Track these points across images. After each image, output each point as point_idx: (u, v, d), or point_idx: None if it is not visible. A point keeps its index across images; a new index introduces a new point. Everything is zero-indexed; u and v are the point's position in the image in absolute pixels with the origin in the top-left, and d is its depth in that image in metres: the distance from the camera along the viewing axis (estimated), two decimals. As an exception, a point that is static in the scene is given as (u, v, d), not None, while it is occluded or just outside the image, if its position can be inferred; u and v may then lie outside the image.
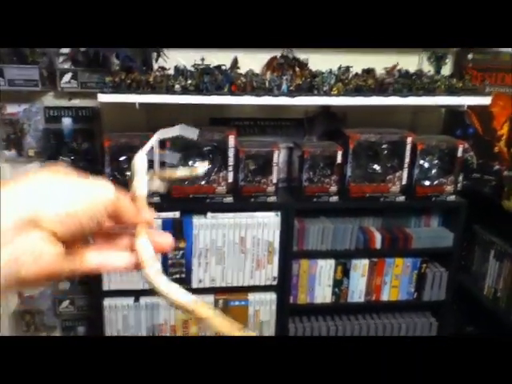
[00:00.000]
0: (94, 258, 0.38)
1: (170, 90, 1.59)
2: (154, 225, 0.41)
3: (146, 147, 0.46)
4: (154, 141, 0.47)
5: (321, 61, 1.92)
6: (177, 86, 1.58)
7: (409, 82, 1.77)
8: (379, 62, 1.96)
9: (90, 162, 1.90)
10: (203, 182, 1.79)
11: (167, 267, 1.78)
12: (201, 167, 0.45)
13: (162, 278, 0.37)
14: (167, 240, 0.41)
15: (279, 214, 1.83)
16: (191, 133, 0.56)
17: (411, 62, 2.03)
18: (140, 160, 0.45)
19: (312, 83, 1.69)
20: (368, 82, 1.70)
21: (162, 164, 1.14)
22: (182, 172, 0.45)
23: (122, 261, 0.39)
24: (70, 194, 0.33)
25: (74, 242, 0.35)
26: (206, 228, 1.79)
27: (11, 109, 1.87)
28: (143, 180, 0.43)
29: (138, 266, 0.39)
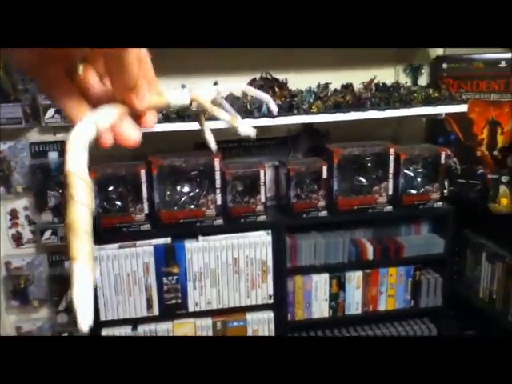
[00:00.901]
0: (59, 88, 0.33)
1: (152, 119, 1.62)
2: (146, 126, 0.35)
3: (221, 87, 0.42)
4: (234, 87, 0.43)
5: (299, 80, 1.96)
6: (159, 115, 1.61)
7: (386, 96, 1.81)
8: (357, 76, 2.01)
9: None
10: (192, 206, 1.81)
11: (162, 293, 1.78)
12: (245, 127, 0.41)
13: (77, 142, 0.31)
14: (135, 136, 0.35)
15: (270, 232, 1.84)
16: (273, 106, 0.50)
17: (388, 74, 2.08)
18: (205, 89, 0.41)
19: (292, 103, 1.72)
20: (346, 98, 1.74)
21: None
22: (221, 114, 0.40)
23: (76, 108, 0.34)
24: None
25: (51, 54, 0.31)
26: (199, 251, 1.80)
27: (-4, 147, 1.89)
28: (185, 95, 0.39)
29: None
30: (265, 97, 0.47)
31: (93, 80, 0.34)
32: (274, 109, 0.48)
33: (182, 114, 1.66)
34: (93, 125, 0.31)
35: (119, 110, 0.33)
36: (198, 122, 0.42)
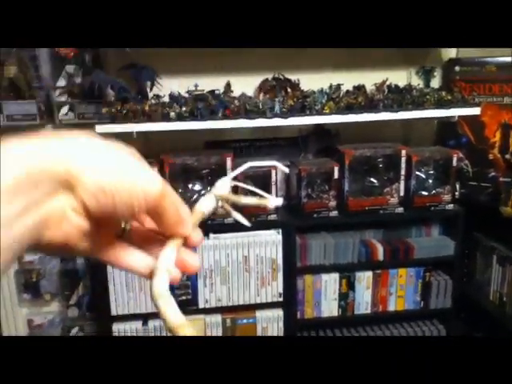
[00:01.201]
0: (113, 251, 0.35)
1: (165, 118, 1.63)
2: (197, 245, 0.38)
3: (233, 173, 0.44)
4: (242, 169, 0.45)
5: (312, 80, 1.97)
6: (172, 114, 1.62)
7: (399, 97, 1.81)
8: (369, 78, 2.01)
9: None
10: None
11: (173, 289, 1.79)
12: (273, 200, 0.41)
13: (165, 295, 0.34)
14: (195, 262, 0.37)
15: (280, 231, 1.85)
16: (283, 168, 0.52)
17: (400, 77, 2.08)
18: (221, 183, 0.42)
19: (304, 103, 1.73)
20: (358, 100, 1.75)
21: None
22: (248, 200, 0.42)
23: (139, 264, 0.36)
24: (117, 167, 0.29)
25: (99, 223, 0.32)
26: (210, 249, 1.82)
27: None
28: (211, 199, 0.41)
29: (151, 275, 0.35)
30: (269, 164, 0.51)
31: (140, 232, 0.37)
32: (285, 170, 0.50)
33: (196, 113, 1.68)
34: (166, 273, 0.34)
35: (174, 246, 0.36)
36: (226, 212, 0.44)
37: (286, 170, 0.49)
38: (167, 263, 0.35)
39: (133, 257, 0.36)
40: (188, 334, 0.33)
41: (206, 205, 0.41)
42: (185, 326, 0.33)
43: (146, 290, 1.79)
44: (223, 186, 0.42)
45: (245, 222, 0.43)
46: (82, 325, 2.05)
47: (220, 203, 0.42)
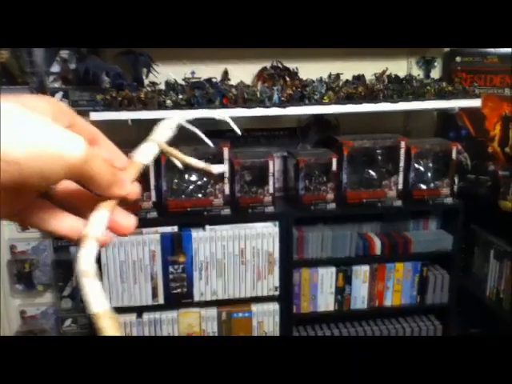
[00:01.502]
0: (36, 214, 0.32)
1: (161, 106, 1.60)
2: (133, 201, 0.34)
3: (182, 118, 0.39)
4: (194, 116, 0.40)
5: (311, 69, 1.93)
6: (168, 102, 1.59)
7: (399, 88, 1.78)
8: (368, 68, 1.98)
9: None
10: (200, 195, 1.79)
11: (168, 282, 1.77)
12: (217, 167, 0.39)
13: (89, 272, 0.30)
14: (129, 222, 0.34)
15: (277, 223, 1.82)
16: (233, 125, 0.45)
17: (400, 67, 2.05)
18: (165, 126, 0.38)
19: (303, 93, 1.70)
20: (358, 90, 1.71)
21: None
22: (194, 161, 0.38)
23: (67, 227, 0.32)
24: (26, 135, 0.26)
25: (17, 192, 0.28)
26: (206, 241, 1.79)
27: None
28: (153, 148, 0.37)
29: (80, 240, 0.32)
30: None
31: (70, 191, 0.33)
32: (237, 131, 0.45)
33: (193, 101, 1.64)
34: (95, 243, 0.31)
35: (107, 209, 0.32)
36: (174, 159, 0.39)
37: (238, 131, 0.44)
38: (96, 230, 0.31)
39: (59, 220, 0.32)
40: (104, 327, 0.29)
41: (147, 154, 0.37)
42: (104, 317, 0.29)
43: (141, 282, 1.76)
44: (166, 130, 0.38)
45: (218, 167, 0.39)
46: (75, 317, 2.02)
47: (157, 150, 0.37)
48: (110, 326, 0.29)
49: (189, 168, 0.38)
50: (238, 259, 1.82)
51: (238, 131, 0.42)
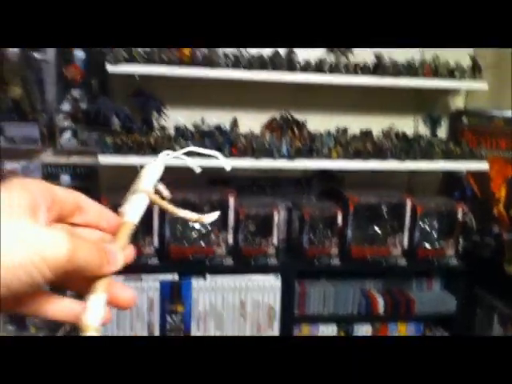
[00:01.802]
0: (31, 304, 0.31)
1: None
2: (131, 261, 0.34)
3: (167, 157, 0.38)
4: (183, 151, 0.39)
5: (318, 121, 1.95)
6: (178, 149, 1.57)
7: (406, 146, 1.79)
8: (375, 123, 2.00)
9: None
10: (203, 243, 1.76)
11: (165, 332, 1.70)
12: (209, 217, 0.37)
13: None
14: (129, 297, 0.34)
15: (279, 276, 1.78)
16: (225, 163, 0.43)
17: (406, 123, 2.07)
18: (153, 167, 0.37)
19: (312, 146, 1.70)
20: (367, 146, 1.72)
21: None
22: (186, 214, 0.37)
23: (64, 312, 0.32)
24: (6, 242, 0.26)
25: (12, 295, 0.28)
26: (206, 291, 1.74)
27: (9, 165, 1.84)
28: (142, 199, 0.35)
29: (79, 322, 0.31)
30: (211, 153, 0.43)
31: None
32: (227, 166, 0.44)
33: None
34: (95, 332, 0.31)
35: (103, 289, 0.32)
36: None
37: (228, 167, 0.42)
38: (95, 318, 0.31)
39: (55, 305, 0.32)
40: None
41: (137, 209, 0.35)
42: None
43: (137, 331, 1.70)
44: (153, 175, 0.37)
45: (210, 217, 0.37)
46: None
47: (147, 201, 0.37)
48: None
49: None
50: (237, 311, 1.76)
51: (228, 167, 0.41)
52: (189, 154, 0.39)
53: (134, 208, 0.36)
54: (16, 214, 0.27)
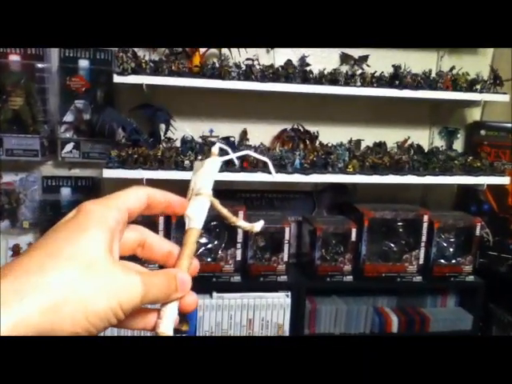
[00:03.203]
0: (125, 323, 0.34)
1: (179, 166, 1.51)
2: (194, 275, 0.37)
3: (225, 157, 0.38)
4: (239, 154, 0.40)
5: (331, 133, 1.88)
6: (186, 162, 1.51)
7: (424, 160, 1.71)
8: (389, 135, 1.93)
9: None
10: (209, 260, 1.68)
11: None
12: (259, 225, 0.38)
13: None
14: (193, 301, 0.36)
15: (289, 294, 1.71)
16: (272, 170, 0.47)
17: (422, 136, 2.00)
18: (213, 166, 0.36)
19: (327, 160, 1.63)
20: (384, 160, 1.64)
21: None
22: (242, 223, 0.39)
23: (143, 326, 0.35)
24: (92, 291, 0.29)
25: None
26: (212, 309, 1.66)
27: (7, 178, 1.77)
28: (205, 204, 0.36)
29: (156, 331, 0.35)
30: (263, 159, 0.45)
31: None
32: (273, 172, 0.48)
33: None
34: (171, 333, 0.35)
35: (174, 308, 0.35)
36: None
37: (276, 177, 0.44)
38: (169, 326, 0.34)
39: (137, 317, 0.35)
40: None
41: (200, 214, 0.36)
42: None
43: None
44: (211, 175, 0.37)
45: (259, 225, 0.38)
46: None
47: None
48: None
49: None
50: (244, 330, 1.69)
51: (276, 177, 0.43)
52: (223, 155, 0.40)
53: (197, 213, 0.36)
54: (96, 253, 0.30)
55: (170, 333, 0.34)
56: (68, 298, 0.28)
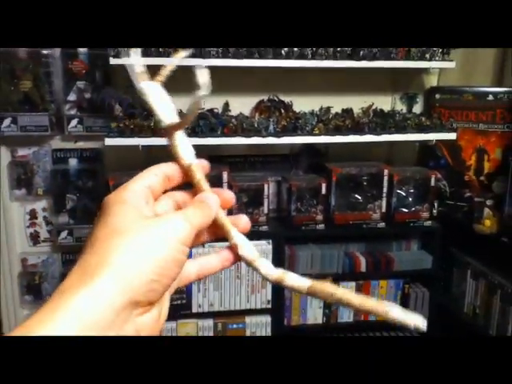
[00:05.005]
0: (192, 269, 0.41)
1: (169, 133, 1.77)
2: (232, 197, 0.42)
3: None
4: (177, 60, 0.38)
5: (303, 102, 2.13)
6: (176, 130, 1.76)
7: (382, 121, 1.97)
8: (356, 102, 2.18)
9: (94, 200, 2.07)
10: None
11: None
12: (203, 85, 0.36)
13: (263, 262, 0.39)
14: (231, 195, 0.43)
15: (271, 241, 1.99)
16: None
17: (385, 101, 2.25)
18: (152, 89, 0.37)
19: (296, 124, 1.89)
20: (346, 122, 1.91)
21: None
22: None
23: (220, 263, 0.42)
24: (150, 256, 0.33)
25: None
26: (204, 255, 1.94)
27: (22, 152, 2.04)
28: (185, 138, 0.38)
29: (235, 260, 0.41)
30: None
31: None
32: None
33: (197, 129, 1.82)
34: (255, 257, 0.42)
35: (228, 223, 0.42)
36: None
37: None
38: (250, 250, 0.40)
39: (207, 262, 0.43)
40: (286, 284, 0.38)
41: (189, 150, 0.39)
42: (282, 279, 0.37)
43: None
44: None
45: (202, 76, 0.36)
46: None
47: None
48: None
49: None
50: (233, 273, 1.97)
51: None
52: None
53: (186, 149, 0.39)
54: (139, 211, 0.35)
55: (254, 257, 0.39)
56: (135, 261, 0.32)
